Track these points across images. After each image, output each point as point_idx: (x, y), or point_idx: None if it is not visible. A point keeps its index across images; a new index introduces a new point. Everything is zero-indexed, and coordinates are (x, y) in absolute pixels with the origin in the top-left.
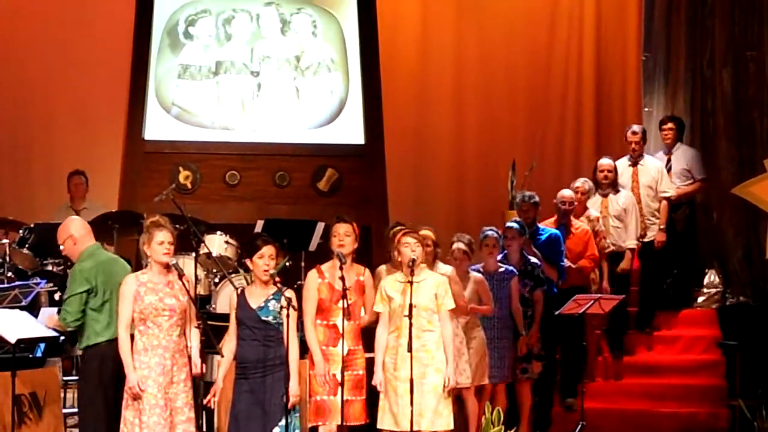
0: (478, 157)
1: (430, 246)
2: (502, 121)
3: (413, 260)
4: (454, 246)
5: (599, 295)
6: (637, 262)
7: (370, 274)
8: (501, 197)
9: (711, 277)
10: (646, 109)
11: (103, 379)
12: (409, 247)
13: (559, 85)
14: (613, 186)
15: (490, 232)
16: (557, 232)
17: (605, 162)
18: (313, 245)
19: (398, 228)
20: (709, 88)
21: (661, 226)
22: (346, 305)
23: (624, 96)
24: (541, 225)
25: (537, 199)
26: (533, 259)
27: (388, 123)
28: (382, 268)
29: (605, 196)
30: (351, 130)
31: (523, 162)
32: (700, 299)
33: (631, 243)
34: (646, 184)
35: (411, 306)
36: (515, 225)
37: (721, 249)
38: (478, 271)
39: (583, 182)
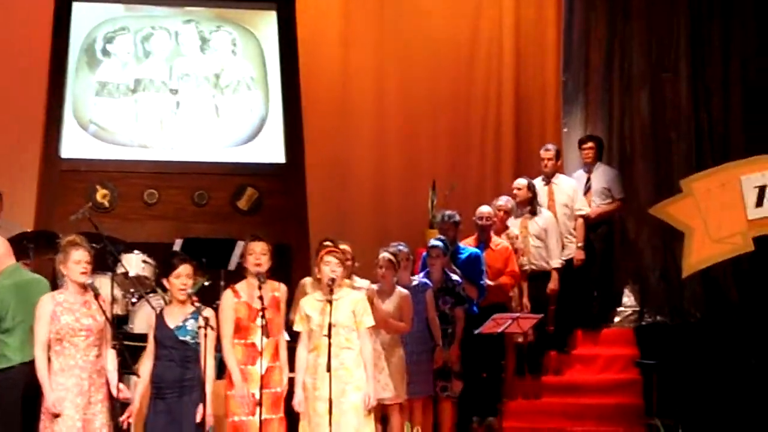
0: (399, 177)
1: (349, 260)
2: (422, 141)
3: (332, 279)
4: (381, 255)
5: (517, 314)
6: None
7: (286, 289)
8: (421, 217)
9: (628, 296)
10: (565, 130)
11: (17, 402)
12: (330, 266)
13: (480, 106)
14: (531, 205)
15: (401, 247)
16: (477, 251)
17: (517, 181)
18: (232, 264)
19: (326, 244)
20: (627, 110)
21: (579, 244)
22: (264, 323)
23: (543, 117)
24: (461, 244)
25: (458, 218)
26: (454, 276)
27: (310, 142)
28: (307, 280)
29: (522, 215)
30: (271, 149)
31: (444, 183)
32: (618, 318)
33: (556, 262)
34: (561, 202)
35: (330, 325)
36: (439, 244)
37: (639, 268)
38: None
39: (506, 201)
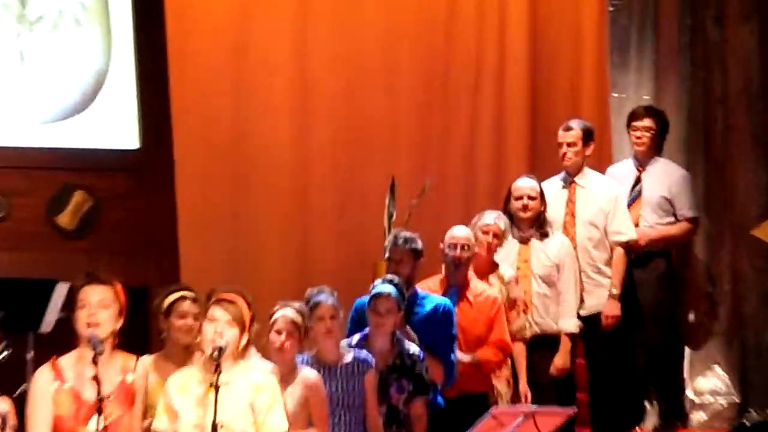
0: (334, 174)
1: (249, 318)
2: (375, 122)
3: (220, 349)
4: (277, 315)
5: (533, 407)
6: (580, 353)
7: (146, 366)
8: (373, 240)
9: (712, 378)
10: (616, 95)
11: None
12: (216, 326)
13: (467, 51)
14: (538, 224)
15: (323, 297)
16: (446, 302)
17: (524, 183)
18: (48, 323)
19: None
20: (718, 63)
21: (613, 291)
22: (102, 426)
23: (579, 70)
24: (420, 289)
25: (419, 244)
26: (412, 348)
27: (182, 117)
28: (148, 359)
29: (525, 241)
30: (115, 127)
31: (410, 182)
32: (699, 415)
33: (569, 323)
34: (586, 218)
35: (215, 426)
36: (390, 290)
37: (735, 329)
38: (309, 364)
39: (494, 218)
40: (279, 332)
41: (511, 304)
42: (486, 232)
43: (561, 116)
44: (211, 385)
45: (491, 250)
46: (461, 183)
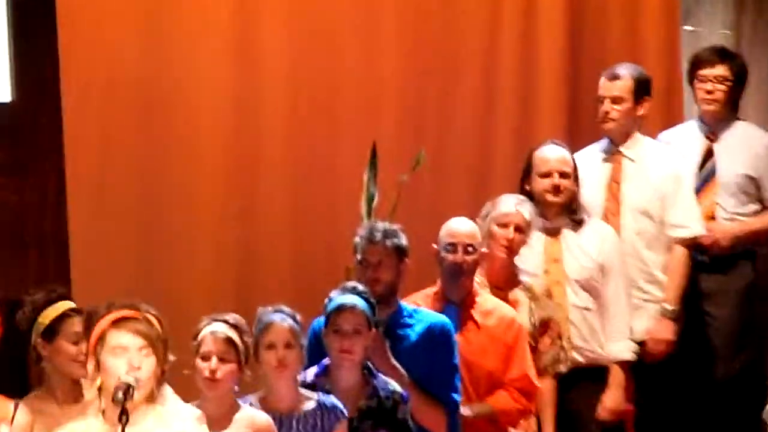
0: (291, 140)
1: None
2: (347, 71)
3: (128, 387)
4: (204, 333)
5: None
6: (628, 394)
7: (27, 415)
8: (346, 234)
9: None
10: (689, 28)
11: None
12: (122, 357)
13: None
14: (569, 209)
15: (277, 317)
16: (444, 320)
17: (552, 154)
18: None
19: (115, 305)
20: None
21: (667, 307)
22: None
23: None
24: (405, 303)
25: (403, 240)
26: (391, 384)
27: (72, 59)
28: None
29: (554, 234)
30: None
31: (398, 152)
32: None
33: (622, 347)
34: (637, 205)
35: None
36: (359, 303)
37: None
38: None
39: (516, 205)
40: (207, 357)
41: (543, 327)
42: (505, 225)
43: (611, 61)
44: None
45: (513, 250)
46: (469, 155)
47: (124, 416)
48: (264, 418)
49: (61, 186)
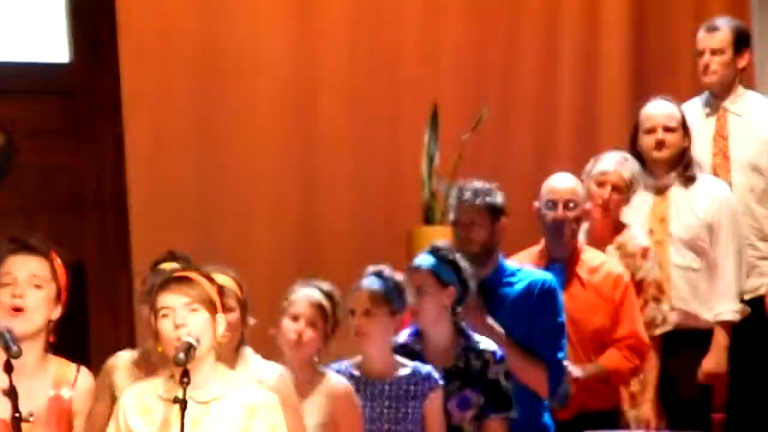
0: (350, 100)
1: (234, 310)
2: (407, 29)
3: (189, 347)
4: (295, 296)
5: None
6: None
7: (90, 379)
8: (407, 195)
9: None
10: None
11: None
12: (173, 315)
13: None
14: (682, 166)
15: (367, 283)
16: (548, 277)
17: (657, 109)
18: None
19: (168, 267)
20: None
21: None
22: None
23: None
24: (508, 263)
25: (498, 198)
26: (482, 343)
27: (130, 20)
28: (121, 359)
29: (662, 192)
30: (35, 33)
31: (460, 111)
32: None
33: (728, 308)
34: (745, 159)
35: None
36: (424, 262)
37: None
38: (346, 378)
39: (616, 163)
40: (296, 318)
41: (637, 287)
42: (602, 184)
43: (677, 15)
44: (176, 401)
45: (609, 209)
46: (532, 113)
47: (185, 378)
48: (343, 385)
49: (119, 148)
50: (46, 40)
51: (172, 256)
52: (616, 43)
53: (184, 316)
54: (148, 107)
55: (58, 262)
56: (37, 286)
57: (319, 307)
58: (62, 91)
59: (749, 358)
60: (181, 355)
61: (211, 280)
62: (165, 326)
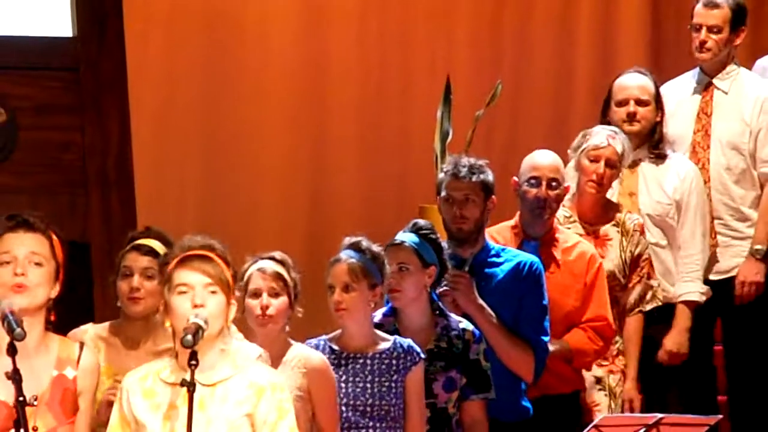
0: (360, 70)
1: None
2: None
3: (198, 329)
4: (253, 269)
5: (659, 415)
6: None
7: (93, 358)
8: (418, 172)
9: None
10: None
11: None
12: (192, 293)
13: None
14: (652, 142)
15: (345, 256)
16: (533, 259)
17: (630, 81)
18: None
19: (187, 244)
20: None
21: (756, 247)
22: None
23: None
24: (492, 242)
25: (489, 175)
26: (462, 323)
27: None
28: (86, 332)
29: (632, 166)
30: (39, 6)
31: (473, 86)
32: None
33: (691, 288)
34: (726, 138)
35: None
36: (407, 239)
37: None
38: (325, 353)
39: (608, 137)
40: (257, 294)
41: (634, 263)
42: (595, 159)
43: None
44: (182, 383)
45: (603, 185)
46: (547, 88)
47: (193, 360)
48: (318, 358)
49: (125, 124)
50: (49, 13)
51: (148, 232)
52: (632, 17)
53: (203, 297)
54: (153, 83)
55: (56, 239)
56: (38, 264)
57: (277, 275)
58: (66, 66)
59: (740, 336)
60: (189, 337)
61: (227, 263)
62: (180, 303)
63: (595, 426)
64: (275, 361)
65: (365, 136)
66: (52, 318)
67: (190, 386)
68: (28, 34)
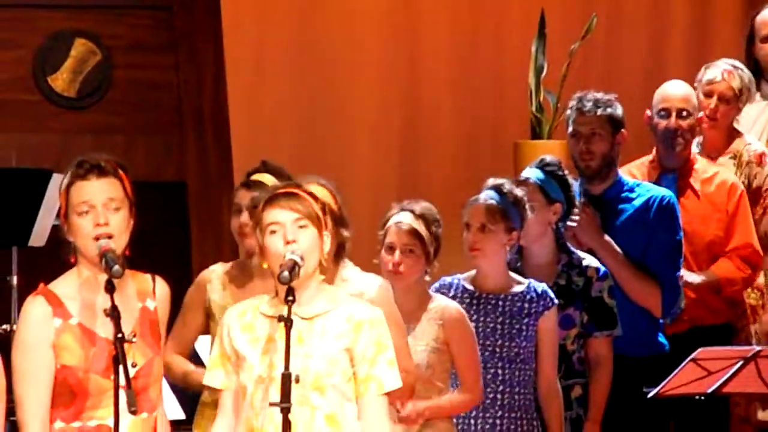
0: (452, 5)
1: (337, 224)
2: None
3: (294, 265)
4: (391, 222)
5: (757, 348)
6: None
7: (167, 293)
8: (513, 107)
9: None
10: None
11: None
12: (284, 233)
13: None
14: None
15: (485, 196)
16: (666, 193)
17: None
18: (39, 233)
19: (271, 184)
20: None
21: None
22: (126, 380)
23: None
24: (626, 177)
25: (618, 109)
26: (586, 260)
27: None
28: (214, 273)
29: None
30: None
31: (569, 19)
32: None
33: None
34: None
35: (287, 379)
36: (532, 176)
37: None
38: (459, 292)
39: (723, 72)
40: (391, 248)
41: (754, 194)
42: (708, 94)
43: None
44: (281, 319)
45: (717, 120)
46: (643, 20)
47: (290, 296)
48: (455, 309)
49: (220, 62)
50: None
51: (264, 167)
52: None
53: (294, 232)
54: (248, 19)
55: (125, 176)
56: (117, 209)
57: (413, 232)
58: (159, 5)
59: None
60: (285, 273)
61: (315, 197)
62: (273, 242)
63: (693, 360)
64: (414, 312)
65: (458, 74)
66: (127, 253)
67: (288, 322)
68: None
